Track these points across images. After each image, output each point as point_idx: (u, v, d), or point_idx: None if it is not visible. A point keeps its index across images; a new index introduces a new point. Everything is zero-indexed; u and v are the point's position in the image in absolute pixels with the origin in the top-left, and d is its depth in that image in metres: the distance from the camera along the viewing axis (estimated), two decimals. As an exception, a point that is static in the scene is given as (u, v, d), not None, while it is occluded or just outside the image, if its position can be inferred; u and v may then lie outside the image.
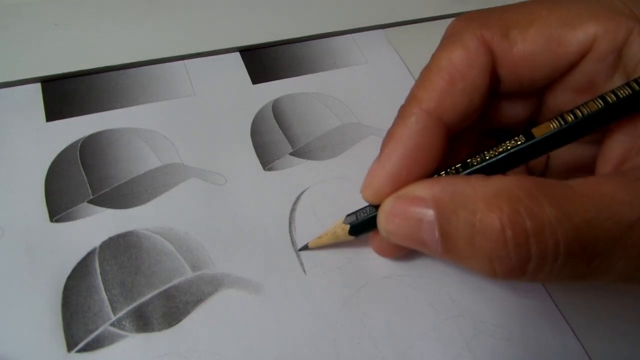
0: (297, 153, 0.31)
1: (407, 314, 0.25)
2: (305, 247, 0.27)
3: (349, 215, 0.25)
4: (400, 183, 0.22)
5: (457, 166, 0.22)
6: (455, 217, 0.20)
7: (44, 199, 0.27)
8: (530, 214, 0.18)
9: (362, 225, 0.25)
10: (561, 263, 0.19)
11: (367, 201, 0.24)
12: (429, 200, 0.20)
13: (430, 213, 0.20)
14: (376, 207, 0.23)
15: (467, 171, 0.22)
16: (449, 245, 0.20)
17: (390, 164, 0.22)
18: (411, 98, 0.23)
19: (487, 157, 0.22)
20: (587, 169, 0.27)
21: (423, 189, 0.21)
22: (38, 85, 0.32)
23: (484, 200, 0.19)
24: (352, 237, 0.25)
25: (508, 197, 0.19)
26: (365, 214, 0.24)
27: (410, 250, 0.27)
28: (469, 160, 0.22)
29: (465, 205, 0.19)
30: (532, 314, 0.26)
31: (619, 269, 0.19)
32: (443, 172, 0.23)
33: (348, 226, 0.25)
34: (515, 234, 0.18)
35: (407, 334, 0.25)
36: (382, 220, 0.22)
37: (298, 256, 0.27)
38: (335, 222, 0.26)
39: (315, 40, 0.37)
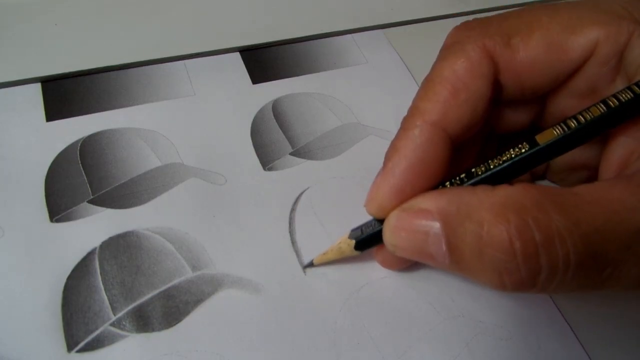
0: (297, 153, 0.31)
1: (407, 314, 0.25)
2: (311, 264, 0.26)
3: (353, 230, 0.25)
4: (405, 196, 0.22)
5: (461, 176, 0.22)
6: (462, 229, 0.19)
7: (44, 199, 0.27)
8: (539, 224, 0.18)
9: (368, 240, 0.24)
10: (572, 273, 0.18)
11: (371, 215, 0.23)
12: (434, 212, 0.20)
13: (436, 226, 0.20)
14: (381, 221, 0.23)
15: (471, 181, 0.22)
16: (456, 258, 0.20)
17: (395, 178, 0.22)
18: (414, 110, 0.23)
19: (492, 166, 0.21)
20: (587, 168, 0.27)
21: (428, 201, 0.20)
22: (38, 85, 0.32)
23: (490, 211, 0.19)
24: (358, 252, 0.25)
25: (515, 208, 0.18)
26: (371, 228, 0.24)
27: (416, 262, 0.26)
28: (473, 170, 0.22)
29: (472, 216, 0.19)
30: (532, 314, 0.26)
31: (631, 276, 0.19)
32: (448, 183, 0.22)
33: (353, 241, 0.24)
34: (524, 245, 0.18)
35: (407, 334, 0.25)
36: (387, 234, 0.22)
37: (298, 256, 0.27)
38: (340, 237, 0.25)
39: (315, 40, 0.37)
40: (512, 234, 0.18)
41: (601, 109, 0.20)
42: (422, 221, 0.20)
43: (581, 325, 0.26)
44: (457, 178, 0.22)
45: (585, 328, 0.26)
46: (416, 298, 0.26)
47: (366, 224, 0.24)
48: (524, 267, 0.18)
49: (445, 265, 0.20)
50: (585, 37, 0.22)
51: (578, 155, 0.26)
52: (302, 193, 0.29)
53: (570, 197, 0.18)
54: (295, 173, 0.30)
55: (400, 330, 0.25)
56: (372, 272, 0.27)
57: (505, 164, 0.21)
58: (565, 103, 0.24)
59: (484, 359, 0.24)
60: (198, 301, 0.25)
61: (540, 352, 0.25)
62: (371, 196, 0.23)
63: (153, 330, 0.24)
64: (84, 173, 0.28)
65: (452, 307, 0.26)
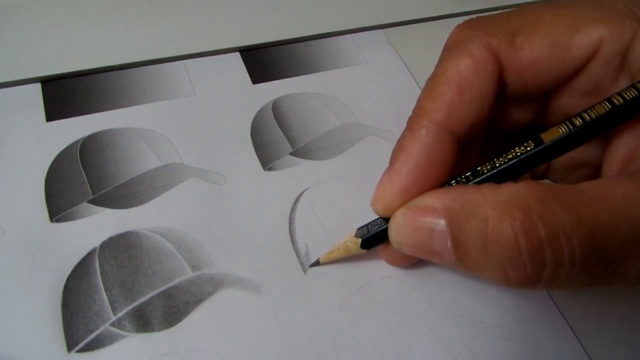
0: (297, 153, 0.31)
1: (407, 314, 0.25)
2: (317, 263, 0.26)
3: (359, 228, 0.25)
4: (411, 196, 0.22)
5: (467, 174, 0.22)
6: (468, 226, 0.19)
7: (44, 199, 0.27)
8: (544, 221, 0.18)
9: (374, 238, 0.24)
10: (577, 269, 0.18)
11: (377, 214, 0.23)
12: (439, 209, 0.20)
13: (441, 223, 0.20)
14: (387, 219, 0.23)
15: (477, 179, 0.22)
16: (461, 255, 0.20)
17: (401, 178, 0.22)
18: (419, 110, 0.23)
19: (497, 165, 0.22)
20: (589, 166, 0.27)
21: (434, 199, 0.21)
22: (38, 85, 0.32)
23: (495, 208, 0.19)
24: (364, 251, 0.25)
25: (520, 205, 0.18)
26: (377, 227, 0.24)
27: (419, 260, 0.26)
28: (479, 168, 0.22)
29: (477, 213, 0.19)
30: (532, 314, 0.26)
31: (636, 272, 0.19)
32: (453, 181, 0.22)
33: (360, 240, 0.25)
34: (529, 242, 0.18)
35: (407, 334, 0.25)
36: (393, 232, 0.22)
37: (298, 256, 0.27)
38: (346, 236, 0.26)
39: (315, 40, 0.37)
40: (517, 230, 0.18)
41: (606, 107, 0.20)
42: (427, 218, 0.21)
43: (581, 325, 0.26)
44: (463, 176, 0.22)
45: (585, 328, 0.26)
46: (416, 298, 0.26)
47: (372, 223, 0.25)
48: (529, 263, 0.18)
49: (451, 262, 0.21)
50: (589, 36, 0.22)
51: (580, 153, 0.26)
52: (302, 193, 0.29)
53: (575, 194, 0.19)
54: (295, 173, 0.30)
55: (400, 330, 0.25)
56: (372, 271, 0.27)
57: (511, 162, 0.21)
58: (568, 101, 0.24)
59: (484, 359, 0.24)
60: (198, 301, 0.25)
61: (540, 352, 0.25)
62: (377, 195, 0.23)
63: (153, 330, 0.24)
64: (84, 173, 0.28)
65: (452, 307, 0.26)
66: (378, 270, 0.27)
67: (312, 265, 0.26)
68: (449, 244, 0.20)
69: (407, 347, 0.24)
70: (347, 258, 0.26)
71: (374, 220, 0.24)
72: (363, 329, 0.25)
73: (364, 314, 0.25)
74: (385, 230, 0.23)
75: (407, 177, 0.22)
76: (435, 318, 0.25)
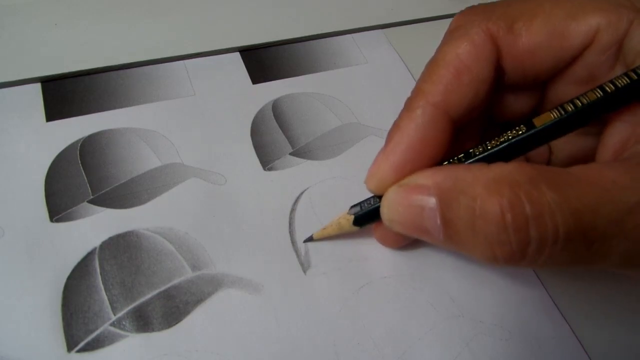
0: (297, 153, 0.31)
1: (407, 314, 0.25)
2: (310, 239, 0.27)
3: (353, 206, 0.26)
4: (404, 174, 0.22)
5: (459, 156, 0.23)
6: (457, 203, 0.20)
7: (44, 199, 0.27)
8: (530, 199, 0.18)
9: (366, 216, 0.25)
10: (560, 247, 0.19)
11: (371, 191, 0.24)
12: (430, 187, 0.20)
13: (432, 200, 0.20)
14: (380, 197, 0.23)
15: (469, 161, 0.22)
16: (450, 232, 0.20)
17: (395, 156, 0.22)
18: (417, 91, 0.23)
19: (489, 147, 0.22)
20: (589, 160, 0.27)
21: (425, 177, 0.21)
22: (38, 85, 0.32)
23: (484, 185, 0.19)
24: (356, 228, 0.25)
25: (508, 182, 0.19)
26: (370, 205, 0.25)
27: (413, 241, 0.27)
28: (471, 150, 0.22)
29: (466, 191, 0.19)
30: (532, 314, 0.26)
31: (619, 252, 0.19)
32: (446, 162, 0.23)
33: (352, 217, 0.25)
34: (515, 218, 0.18)
35: (407, 334, 0.25)
36: (385, 209, 0.22)
37: (298, 256, 0.27)
38: (339, 213, 0.26)
39: (315, 40, 0.37)
40: (504, 207, 0.18)
41: (597, 94, 0.21)
42: (418, 196, 0.21)
43: (581, 325, 0.26)
44: (456, 158, 0.23)
45: (585, 328, 0.26)
46: (416, 298, 0.26)
47: (366, 200, 0.25)
48: (515, 238, 0.19)
49: (440, 240, 0.21)
50: (586, 24, 0.22)
51: (580, 149, 0.26)
52: (302, 193, 0.29)
53: (564, 175, 0.19)
54: (295, 173, 0.30)
55: (400, 330, 0.25)
56: (372, 272, 0.27)
57: (502, 145, 0.22)
58: (564, 90, 0.25)
59: (484, 359, 0.24)
60: (198, 301, 0.25)
61: (540, 352, 0.25)
62: (371, 172, 0.23)
63: (153, 330, 0.24)
64: (84, 173, 0.28)
65: (452, 307, 0.26)
66: (378, 270, 0.27)
67: (305, 241, 0.27)
68: (439, 221, 0.20)
69: (407, 347, 0.24)
70: (341, 235, 0.27)
71: (368, 198, 0.25)
72: (363, 329, 0.25)
73: (364, 314, 0.25)
74: (378, 208, 0.23)
75: (401, 155, 0.22)
76: (435, 318, 0.25)
